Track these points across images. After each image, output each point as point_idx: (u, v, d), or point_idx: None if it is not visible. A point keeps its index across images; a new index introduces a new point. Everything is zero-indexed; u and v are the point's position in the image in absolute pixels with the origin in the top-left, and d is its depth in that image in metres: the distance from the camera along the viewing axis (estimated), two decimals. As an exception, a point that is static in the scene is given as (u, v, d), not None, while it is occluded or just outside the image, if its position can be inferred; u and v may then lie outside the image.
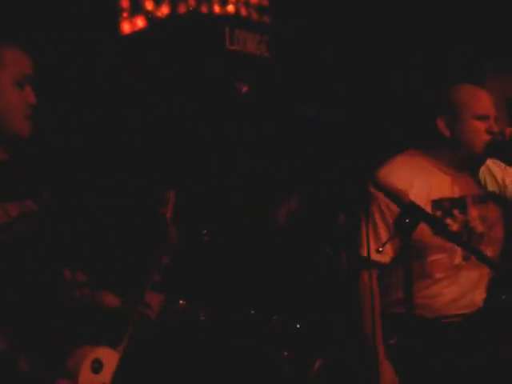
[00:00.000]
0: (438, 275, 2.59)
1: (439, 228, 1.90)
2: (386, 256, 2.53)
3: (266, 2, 4.48)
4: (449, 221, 2.60)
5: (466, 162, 2.64)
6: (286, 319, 3.74)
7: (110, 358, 2.15)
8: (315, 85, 4.47)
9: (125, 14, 4.15)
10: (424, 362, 2.46)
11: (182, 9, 4.20)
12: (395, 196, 1.86)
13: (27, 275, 2.03)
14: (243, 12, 4.38)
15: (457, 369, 2.62)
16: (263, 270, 3.71)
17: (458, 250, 2.58)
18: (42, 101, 2.14)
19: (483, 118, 2.58)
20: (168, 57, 4.09)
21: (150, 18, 4.17)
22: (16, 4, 3.59)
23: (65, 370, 2.04)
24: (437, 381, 2.57)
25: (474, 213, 2.65)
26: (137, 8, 4.18)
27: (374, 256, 2.48)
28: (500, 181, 2.73)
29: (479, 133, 2.58)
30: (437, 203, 2.59)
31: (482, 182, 2.71)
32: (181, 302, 3.33)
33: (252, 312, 3.65)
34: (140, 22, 4.17)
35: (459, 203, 2.63)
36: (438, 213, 2.59)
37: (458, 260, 2.59)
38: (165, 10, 4.18)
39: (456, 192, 2.63)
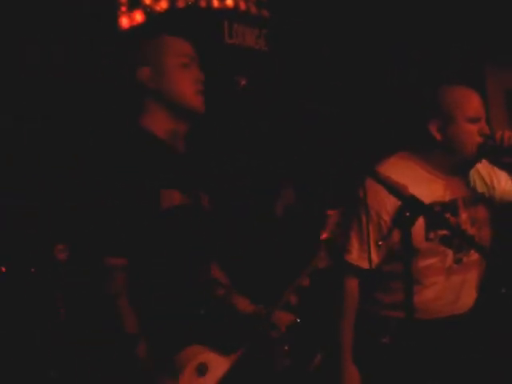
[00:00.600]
0: (431, 280, 2.58)
1: (439, 221, 1.89)
2: (366, 261, 2.50)
3: (265, -5, 4.48)
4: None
5: (457, 166, 2.62)
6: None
7: (218, 364, 2.06)
8: (313, 79, 4.47)
9: (123, 9, 4.14)
10: (417, 361, 2.47)
11: (180, 3, 4.19)
12: (395, 189, 1.85)
13: (177, 265, 2.08)
14: (242, 6, 4.38)
15: (450, 368, 2.63)
16: (262, 263, 3.71)
17: (450, 253, 2.57)
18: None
19: (475, 120, 2.56)
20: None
21: (149, 12, 4.16)
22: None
23: (170, 364, 1.99)
24: (430, 379, 2.57)
25: (464, 215, 2.63)
26: (135, 2, 4.17)
27: (357, 261, 2.51)
28: (488, 182, 2.72)
29: (471, 135, 2.55)
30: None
31: (472, 183, 2.70)
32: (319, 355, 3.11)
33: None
34: (138, 17, 4.16)
35: (450, 206, 2.61)
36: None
37: (449, 263, 2.58)
38: (163, 5, 4.17)
39: (447, 195, 2.61)
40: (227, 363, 2.07)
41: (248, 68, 4.14)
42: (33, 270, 3.23)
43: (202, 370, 2.02)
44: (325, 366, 3.11)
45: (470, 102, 2.58)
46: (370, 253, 2.42)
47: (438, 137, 2.57)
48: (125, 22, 4.13)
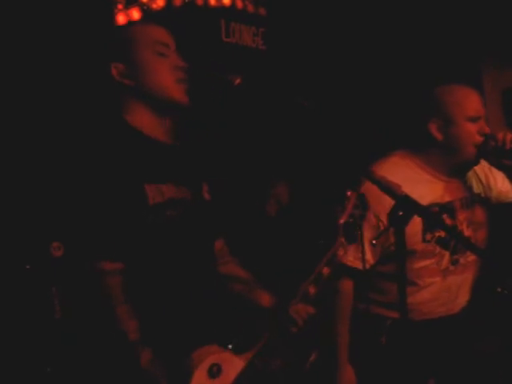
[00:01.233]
0: (427, 280, 2.58)
1: (434, 221, 1.89)
2: (361, 262, 2.49)
3: (262, -6, 4.48)
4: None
5: (456, 166, 2.61)
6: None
7: (231, 366, 1.95)
8: (310, 77, 4.47)
9: (120, 6, 4.14)
10: (412, 361, 2.47)
11: (177, 1, 4.18)
12: (389, 189, 1.85)
13: (179, 262, 1.98)
14: (239, 4, 4.37)
15: (444, 367, 2.65)
16: (256, 261, 3.71)
17: (446, 255, 2.58)
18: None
19: (475, 119, 2.55)
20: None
21: (146, 9, 4.15)
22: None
23: (182, 367, 1.90)
24: (425, 379, 2.58)
25: (461, 217, 2.63)
26: (132, 0, 4.17)
27: (352, 262, 2.49)
28: (485, 183, 2.72)
29: (472, 135, 2.54)
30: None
31: (469, 184, 2.70)
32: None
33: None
34: (135, 14, 4.15)
35: (448, 208, 2.61)
36: None
37: (445, 265, 2.59)
38: (160, 2, 4.16)
39: (445, 197, 2.60)
40: (241, 363, 1.97)
41: (245, 66, 4.14)
42: (28, 266, 3.22)
43: (214, 371, 1.92)
44: (320, 365, 3.11)
45: (470, 102, 2.57)
46: (364, 254, 2.40)
47: (439, 137, 2.56)
48: (121, 19, 4.11)
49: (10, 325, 3.14)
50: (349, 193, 2.07)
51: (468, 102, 2.56)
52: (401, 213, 1.80)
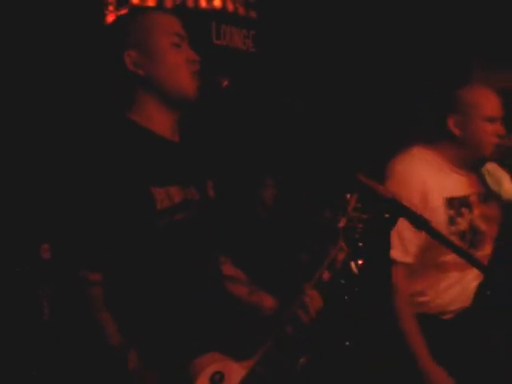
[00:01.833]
0: (447, 274, 2.62)
1: (421, 224, 1.89)
2: (411, 256, 2.55)
3: (253, -3, 4.49)
4: (459, 220, 2.66)
5: (471, 162, 2.70)
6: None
7: (234, 374, 1.90)
8: (301, 79, 4.47)
9: (110, 8, 4.13)
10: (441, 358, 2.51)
11: (168, 3, 4.18)
12: (377, 191, 1.86)
13: (185, 264, 1.92)
14: (230, 7, 4.37)
15: (459, 360, 2.65)
16: (246, 263, 3.71)
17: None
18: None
19: (492, 119, 2.63)
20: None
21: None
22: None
23: (184, 375, 1.85)
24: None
25: (477, 211, 2.71)
26: (123, 1, 4.16)
27: (402, 257, 2.54)
28: (499, 181, 2.77)
29: (488, 135, 2.63)
30: (449, 202, 2.64)
31: (484, 180, 2.75)
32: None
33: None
34: (126, 16, 4.15)
35: (466, 202, 2.69)
36: (451, 212, 2.64)
37: (462, 260, 2.61)
38: (151, 4, 4.16)
39: (463, 190, 2.69)
40: (244, 369, 1.92)
41: (235, 69, 4.14)
42: (17, 269, 3.21)
43: (217, 379, 1.87)
44: (310, 368, 3.12)
45: (489, 102, 2.66)
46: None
47: (456, 132, 2.64)
48: (112, 20, 4.11)
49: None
50: (348, 196, 2.04)
51: (487, 103, 2.66)
52: (387, 215, 1.81)
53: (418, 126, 2.91)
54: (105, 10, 4.11)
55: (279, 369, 1.97)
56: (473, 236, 2.67)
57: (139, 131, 1.93)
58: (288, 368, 2.02)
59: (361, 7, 4.73)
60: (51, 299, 3.07)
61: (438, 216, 2.58)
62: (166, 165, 1.93)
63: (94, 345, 1.81)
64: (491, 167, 2.77)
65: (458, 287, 2.66)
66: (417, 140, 2.76)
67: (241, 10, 4.42)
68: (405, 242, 2.52)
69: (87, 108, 3.33)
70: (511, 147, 2.64)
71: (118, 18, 2.13)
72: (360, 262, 3.83)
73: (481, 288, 2.81)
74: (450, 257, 2.57)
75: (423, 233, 2.44)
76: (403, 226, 2.46)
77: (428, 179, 2.61)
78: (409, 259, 2.55)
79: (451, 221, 2.62)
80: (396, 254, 2.53)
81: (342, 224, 2.01)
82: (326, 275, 2.01)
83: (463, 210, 2.66)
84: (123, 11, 4.17)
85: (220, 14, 4.31)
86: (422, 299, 2.63)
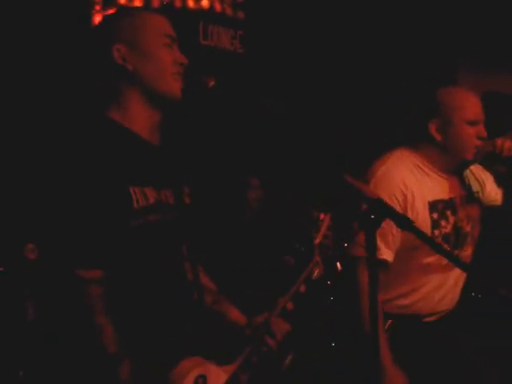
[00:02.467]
0: (429, 277, 2.61)
1: (405, 224, 1.89)
2: (391, 254, 2.55)
3: (241, -3, 4.49)
4: (443, 222, 2.65)
5: (454, 165, 2.69)
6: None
7: (216, 377, 1.93)
8: (288, 80, 4.48)
9: (97, 7, 4.12)
10: (416, 359, 2.50)
11: (155, 3, 4.17)
12: (362, 192, 1.86)
13: (157, 266, 1.91)
14: (217, 7, 4.37)
15: (447, 364, 2.66)
16: (234, 263, 3.71)
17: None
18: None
19: (474, 123, 2.61)
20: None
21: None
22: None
23: (167, 379, 1.86)
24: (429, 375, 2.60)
25: (461, 213, 2.71)
26: (109, 1, 4.15)
27: (382, 255, 2.53)
28: (481, 182, 2.78)
29: (470, 138, 2.61)
30: (432, 205, 2.64)
31: (467, 182, 2.75)
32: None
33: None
34: (113, 16, 4.13)
35: (450, 204, 2.68)
36: (435, 215, 2.63)
37: (446, 260, 2.60)
38: (138, 4, 4.15)
39: (447, 193, 2.68)
40: (226, 374, 1.96)
41: (222, 69, 4.13)
42: (2, 269, 3.19)
43: (200, 383, 1.89)
44: (297, 366, 3.11)
45: (470, 105, 2.64)
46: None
47: (438, 137, 2.63)
48: (98, 20, 4.10)
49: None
50: (322, 216, 2.15)
51: (468, 106, 2.64)
52: (372, 216, 1.81)
53: (402, 128, 2.89)
54: (91, 9, 4.10)
55: (261, 373, 2.01)
56: (456, 237, 2.67)
57: (119, 130, 1.93)
58: (271, 371, 2.07)
59: (348, 9, 4.74)
60: (36, 300, 3.05)
61: (421, 220, 2.57)
62: (143, 165, 1.94)
63: (88, 349, 1.79)
64: (475, 169, 2.78)
65: (441, 291, 2.66)
66: (400, 142, 2.76)
67: (228, 11, 4.42)
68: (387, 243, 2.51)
69: (68, 105, 3.31)
70: (489, 152, 2.63)
71: (110, 14, 2.10)
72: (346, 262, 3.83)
73: (465, 290, 2.82)
74: (434, 258, 2.58)
75: (406, 233, 2.48)
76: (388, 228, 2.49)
77: (410, 182, 2.60)
78: (390, 258, 2.54)
79: (435, 224, 2.62)
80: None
81: (317, 240, 2.12)
82: (302, 288, 2.11)
83: (447, 212, 2.66)
84: (110, 11, 4.16)
85: (207, 15, 4.30)
86: (404, 302, 2.63)
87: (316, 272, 2.12)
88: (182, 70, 1.99)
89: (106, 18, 2.16)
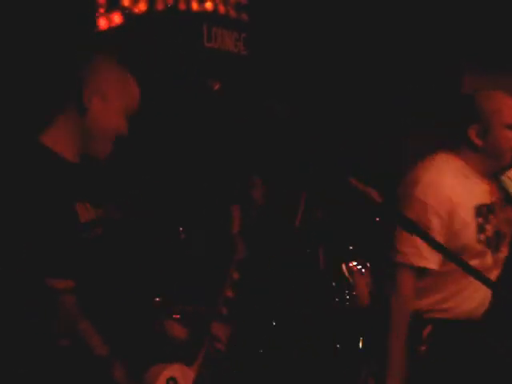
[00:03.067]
0: (471, 280, 2.60)
1: (412, 228, 1.90)
2: (432, 262, 2.54)
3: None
4: (488, 226, 2.65)
5: (493, 169, 2.69)
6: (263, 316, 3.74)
7: (185, 376, 2.07)
8: (292, 82, 4.48)
9: (101, 10, 4.13)
10: (457, 364, 2.51)
11: (159, 5, 4.18)
12: (366, 195, 1.86)
13: (108, 281, 2.00)
14: (221, 9, 4.37)
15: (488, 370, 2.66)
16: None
17: (488, 254, 2.63)
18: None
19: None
20: (145, 54, 4.07)
21: (127, 14, 4.14)
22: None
23: None
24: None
25: (501, 216, 2.71)
26: (114, 4, 4.15)
27: (417, 262, 2.52)
28: None
29: (509, 141, 2.62)
30: (478, 209, 2.63)
31: (503, 185, 2.77)
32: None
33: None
34: (117, 18, 4.14)
35: (492, 208, 2.68)
36: (480, 219, 2.63)
37: (488, 264, 2.63)
38: (142, 7, 4.15)
39: (488, 197, 2.68)
40: (193, 372, 2.08)
41: (226, 71, 4.14)
42: None
43: None
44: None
45: (508, 108, 2.64)
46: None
47: (478, 143, 2.62)
48: (103, 23, 4.10)
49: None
50: (232, 207, 2.34)
51: (506, 109, 2.63)
52: (378, 219, 1.81)
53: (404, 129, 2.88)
54: (96, 12, 4.12)
55: (223, 366, 2.21)
56: (497, 240, 2.68)
57: (52, 157, 2.00)
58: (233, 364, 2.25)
59: (352, 11, 4.74)
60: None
61: (468, 225, 2.58)
62: (80, 184, 2.03)
63: (77, 355, 1.83)
64: (510, 171, 2.79)
65: (480, 293, 2.65)
66: (439, 146, 2.76)
67: (232, 13, 4.42)
68: (420, 247, 2.51)
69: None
70: None
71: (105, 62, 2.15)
72: (351, 264, 3.86)
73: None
74: (477, 261, 2.57)
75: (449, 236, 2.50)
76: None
77: (456, 188, 2.59)
78: (424, 263, 2.54)
79: (480, 229, 2.61)
80: (407, 258, 2.51)
81: (236, 230, 2.31)
82: (236, 275, 2.29)
83: (490, 216, 2.67)
84: (114, 14, 4.17)
85: (211, 17, 4.30)
86: (445, 306, 2.62)
87: (241, 258, 2.30)
88: (117, 138, 2.08)
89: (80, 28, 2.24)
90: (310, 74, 4.67)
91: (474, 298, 2.64)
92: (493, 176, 2.74)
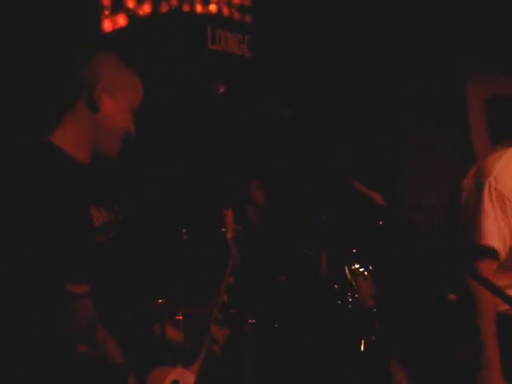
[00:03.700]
0: None
1: (413, 230, 1.90)
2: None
3: (249, 2, 4.49)
4: None
5: None
6: (263, 319, 3.75)
7: (187, 378, 2.12)
8: (296, 85, 4.49)
9: (106, 12, 4.14)
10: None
11: (163, 7, 4.18)
12: (368, 197, 1.87)
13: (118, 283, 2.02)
14: (225, 12, 4.38)
15: None
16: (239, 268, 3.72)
17: None
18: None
19: None
20: (149, 56, 4.08)
21: (132, 16, 4.16)
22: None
23: None
24: None
25: None
26: (118, 6, 4.17)
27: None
28: None
29: None
30: None
31: None
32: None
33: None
34: (121, 20, 4.15)
35: None
36: None
37: None
38: (147, 9, 4.16)
39: None
40: (193, 374, 2.14)
41: (230, 74, 4.15)
42: None
43: None
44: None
45: None
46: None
47: None
48: (107, 25, 4.11)
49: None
50: (224, 211, 2.36)
51: None
52: (381, 222, 1.82)
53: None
54: (100, 15, 4.13)
55: (222, 366, 2.29)
56: None
57: (65, 158, 1.99)
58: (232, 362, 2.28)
59: (355, 14, 4.75)
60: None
61: None
62: (95, 187, 2.04)
63: (93, 363, 1.82)
64: None
65: None
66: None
67: (236, 15, 4.43)
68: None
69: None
70: None
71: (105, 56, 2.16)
72: (354, 267, 3.85)
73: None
74: None
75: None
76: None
77: None
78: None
79: None
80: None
81: (229, 235, 2.33)
82: (231, 280, 2.33)
83: None
84: (119, 16, 4.18)
85: (215, 19, 4.31)
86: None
87: (237, 262, 2.34)
88: (127, 137, 2.09)
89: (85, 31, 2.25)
90: (312, 76, 4.67)
91: None
92: None
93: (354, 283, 3.81)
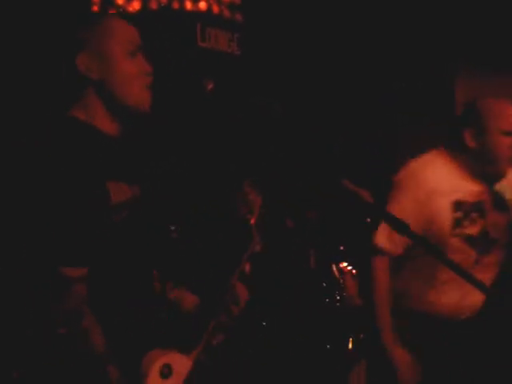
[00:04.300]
0: (450, 276, 2.62)
1: (402, 228, 1.91)
2: (395, 247, 2.62)
3: (238, -1, 4.50)
4: (466, 223, 2.68)
5: (486, 172, 2.72)
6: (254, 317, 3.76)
7: (181, 364, 2.00)
8: (284, 82, 4.50)
9: (95, 8, 4.13)
10: (432, 360, 2.54)
11: (153, 5, 4.18)
12: (357, 195, 1.87)
13: (131, 265, 1.94)
14: (215, 9, 4.38)
15: (462, 368, 2.71)
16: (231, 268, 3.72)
17: (473, 253, 2.66)
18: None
19: (509, 133, 2.65)
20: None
21: (121, 12, 4.15)
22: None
23: (136, 372, 1.91)
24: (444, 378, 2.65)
25: (490, 219, 2.73)
26: (108, 2, 4.16)
27: (383, 244, 2.58)
28: None
29: (504, 148, 2.65)
30: (458, 204, 2.67)
31: (500, 189, 2.79)
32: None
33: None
34: (111, 17, 4.15)
35: (478, 207, 2.71)
36: (458, 214, 2.67)
37: (471, 263, 2.65)
38: (136, 6, 4.16)
39: (475, 197, 2.70)
40: (190, 361, 2.03)
41: (219, 71, 4.15)
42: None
43: (166, 372, 1.96)
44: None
45: (506, 115, 2.67)
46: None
47: (472, 144, 2.67)
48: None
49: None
50: (252, 197, 2.29)
51: (504, 116, 2.66)
52: (369, 219, 1.83)
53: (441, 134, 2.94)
54: (89, 10, 4.12)
55: (221, 355, 2.12)
56: (484, 242, 2.71)
57: (83, 128, 1.92)
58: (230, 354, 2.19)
59: (346, 12, 4.76)
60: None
61: (441, 216, 2.63)
62: (114, 161, 1.94)
63: (76, 350, 1.80)
64: (509, 177, 2.81)
65: (460, 292, 2.67)
66: (436, 144, 2.81)
67: (226, 13, 4.43)
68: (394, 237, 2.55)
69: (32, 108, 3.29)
70: None
71: (78, 24, 2.08)
72: (341, 265, 3.87)
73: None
74: (455, 257, 2.59)
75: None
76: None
77: (439, 179, 2.66)
78: (393, 249, 2.59)
79: (456, 223, 2.65)
80: (383, 244, 2.59)
81: (253, 221, 2.24)
82: (247, 267, 2.21)
83: (473, 214, 2.69)
84: (109, 11, 4.17)
85: (205, 17, 4.31)
86: (428, 298, 2.70)
87: (257, 250, 2.24)
88: (149, 81, 1.98)
89: (74, 26, 2.19)
90: (303, 73, 4.68)
91: (454, 296, 2.66)
92: (489, 180, 2.75)
93: (341, 281, 3.83)
